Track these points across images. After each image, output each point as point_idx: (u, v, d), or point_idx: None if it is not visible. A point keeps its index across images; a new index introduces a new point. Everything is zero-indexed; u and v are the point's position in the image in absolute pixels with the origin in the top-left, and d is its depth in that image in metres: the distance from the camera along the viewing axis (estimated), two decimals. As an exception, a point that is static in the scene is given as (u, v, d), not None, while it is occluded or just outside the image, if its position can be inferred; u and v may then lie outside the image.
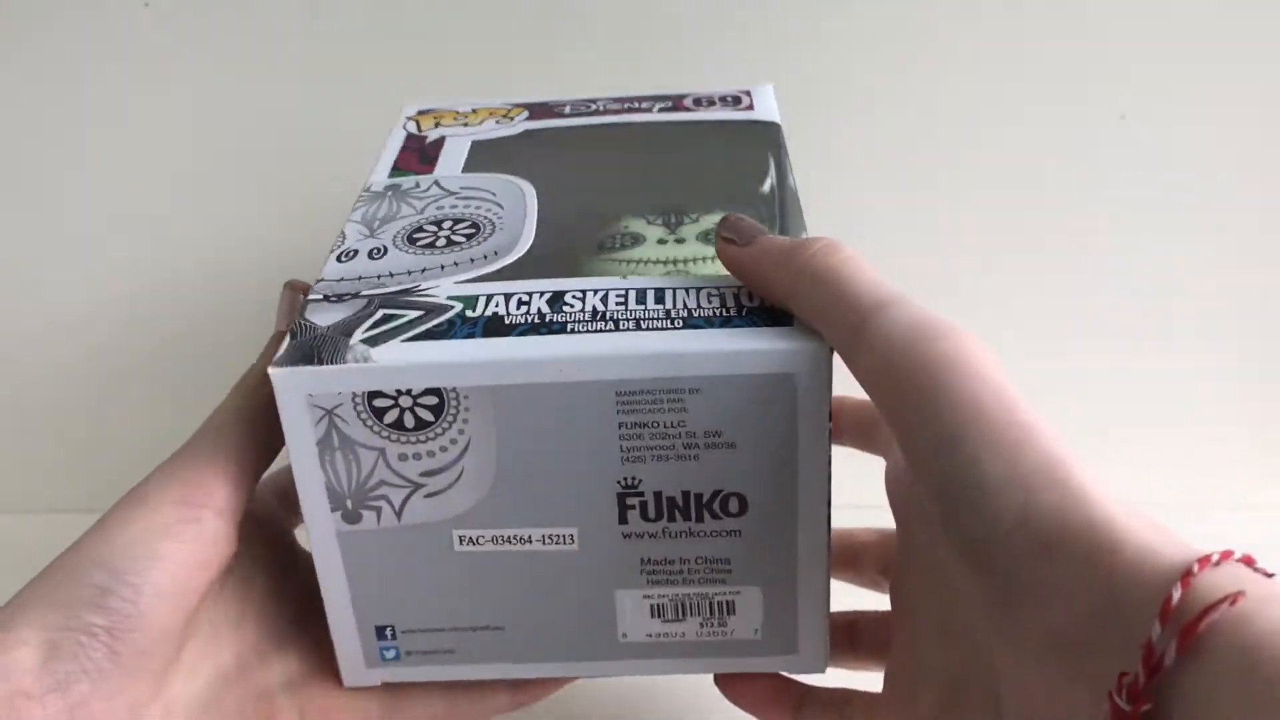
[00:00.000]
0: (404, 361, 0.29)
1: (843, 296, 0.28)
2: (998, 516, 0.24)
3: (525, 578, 0.32)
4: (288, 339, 0.30)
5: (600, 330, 0.30)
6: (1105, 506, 0.24)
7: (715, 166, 0.39)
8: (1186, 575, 0.21)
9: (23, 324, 0.57)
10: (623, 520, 0.31)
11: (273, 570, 0.35)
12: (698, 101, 0.44)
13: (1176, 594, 0.21)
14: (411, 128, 0.43)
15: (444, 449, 0.30)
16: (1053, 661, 0.23)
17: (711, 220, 0.35)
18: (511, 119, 0.44)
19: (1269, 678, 0.19)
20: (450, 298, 0.32)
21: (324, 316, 0.31)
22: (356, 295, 0.32)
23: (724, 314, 0.30)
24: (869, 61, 0.51)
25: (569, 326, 0.30)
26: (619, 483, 0.31)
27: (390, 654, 0.34)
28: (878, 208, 0.53)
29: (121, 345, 0.57)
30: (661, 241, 0.34)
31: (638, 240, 0.34)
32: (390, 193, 0.38)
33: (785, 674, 0.35)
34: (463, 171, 0.39)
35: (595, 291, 0.31)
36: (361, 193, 0.38)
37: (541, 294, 0.31)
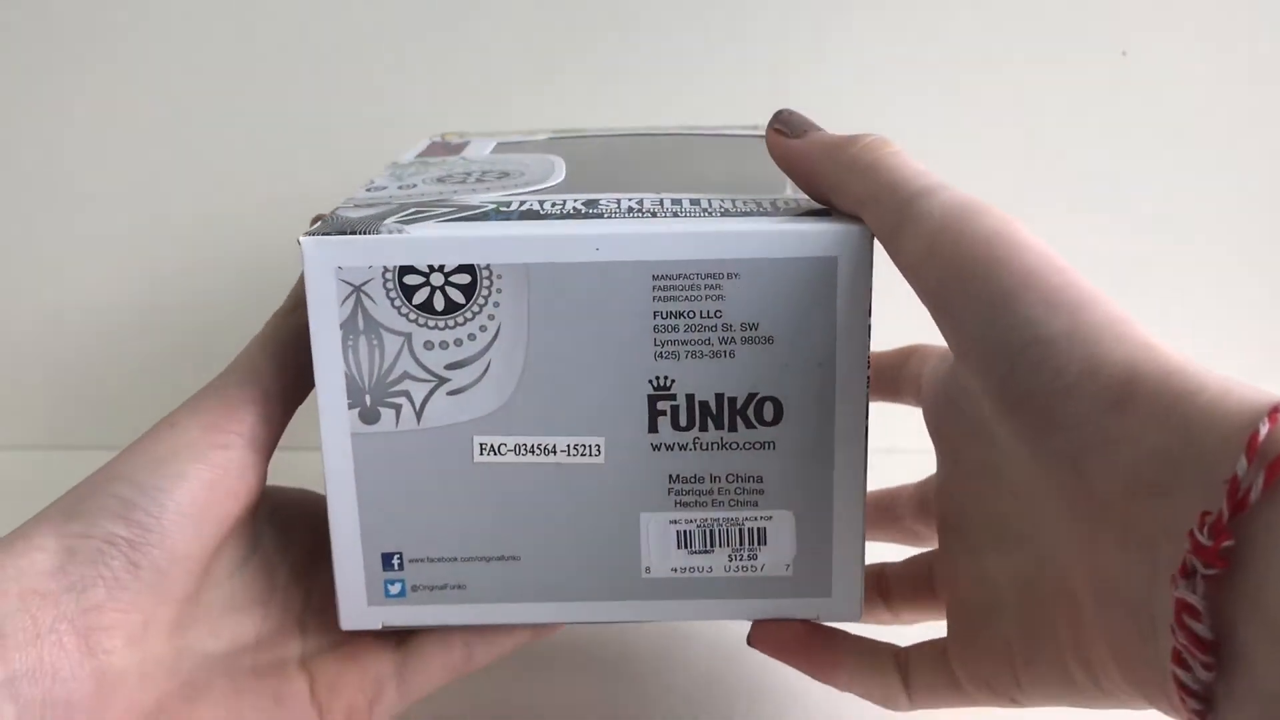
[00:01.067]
0: (439, 234, 0.29)
1: (887, 184, 0.28)
2: (1063, 369, 0.23)
3: (547, 498, 0.31)
4: (318, 225, 0.30)
5: (638, 218, 0.29)
6: (1176, 356, 0.23)
7: (737, 161, 0.39)
8: (1274, 411, 0.20)
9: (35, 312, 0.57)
10: (652, 429, 0.30)
11: (303, 556, 0.34)
12: (716, 130, 0.45)
13: (1264, 429, 0.20)
14: (437, 139, 0.44)
15: (472, 336, 0.29)
16: (1128, 509, 0.22)
17: None
18: (535, 134, 0.45)
19: None
20: (483, 202, 0.31)
21: (355, 212, 0.31)
22: (388, 204, 0.32)
23: (762, 210, 0.30)
24: (868, 35, 0.53)
25: (605, 215, 0.30)
26: (650, 383, 0.30)
27: (395, 588, 0.31)
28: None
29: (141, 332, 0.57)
30: None
31: None
32: (418, 162, 0.39)
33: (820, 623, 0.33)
34: (490, 154, 0.40)
35: (631, 197, 0.31)
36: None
37: (576, 198, 0.31)
